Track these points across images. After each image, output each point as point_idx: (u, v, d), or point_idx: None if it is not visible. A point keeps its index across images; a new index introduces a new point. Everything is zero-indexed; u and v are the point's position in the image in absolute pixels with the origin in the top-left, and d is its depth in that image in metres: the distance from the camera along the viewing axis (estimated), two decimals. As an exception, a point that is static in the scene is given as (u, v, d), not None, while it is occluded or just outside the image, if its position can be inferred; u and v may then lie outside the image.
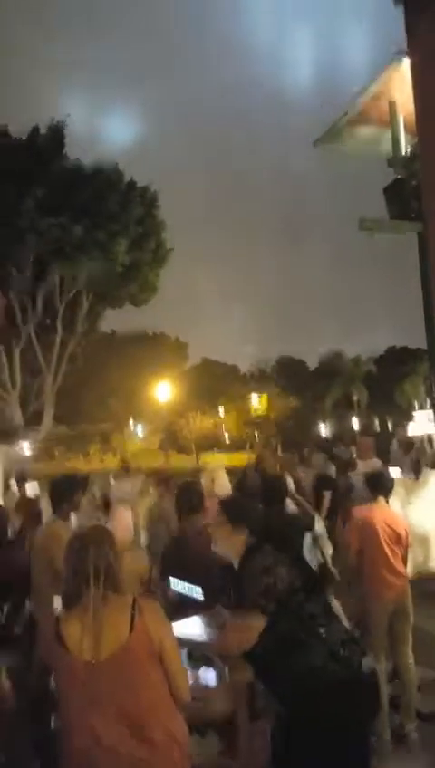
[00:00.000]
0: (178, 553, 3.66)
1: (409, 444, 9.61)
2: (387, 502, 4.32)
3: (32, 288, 21.05)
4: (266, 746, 2.68)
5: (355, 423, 46.56)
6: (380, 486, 4.16)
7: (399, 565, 3.99)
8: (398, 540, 4.01)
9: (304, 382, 55.87)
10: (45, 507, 8.48)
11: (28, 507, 6.54)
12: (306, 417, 49.89)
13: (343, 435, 36.63)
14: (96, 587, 2.02)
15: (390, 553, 3.94)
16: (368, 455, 7.80)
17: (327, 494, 6.81)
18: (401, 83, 4.73)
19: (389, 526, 4.00)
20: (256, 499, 4.19)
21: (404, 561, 4.09)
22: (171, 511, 4.19)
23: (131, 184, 22.15)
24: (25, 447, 18.98)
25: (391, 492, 4.21)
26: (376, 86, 4.87)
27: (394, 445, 11.29)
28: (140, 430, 42.71)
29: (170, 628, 2.15)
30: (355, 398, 50.49)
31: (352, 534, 4.06)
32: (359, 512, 4.15)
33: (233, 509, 2.71)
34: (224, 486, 5.30)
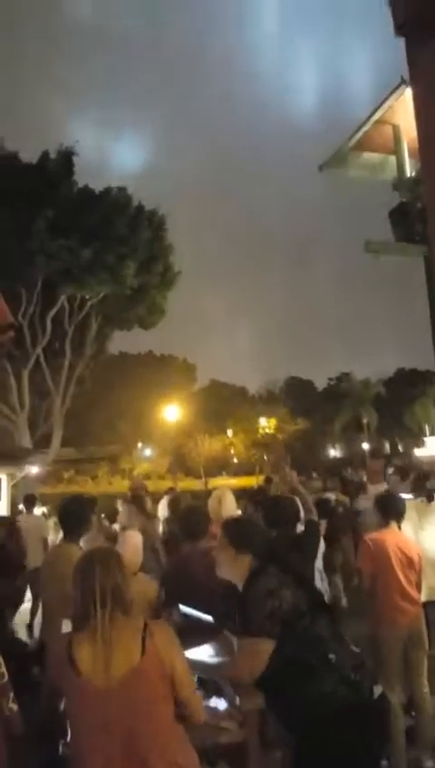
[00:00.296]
0: (181, 577, 3.63)
1: (404, 469, 9.45)
2: (399, 526, 4.26)
3: (41, 310, 21.25)
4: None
5: (365, 446, 46.22)
6: (391, 510, 4.11)
7: (412, 591, 3.91)
8: (411, 565, 3.94)
9: (312, 404, 55.74)
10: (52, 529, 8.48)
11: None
12: (315, 440, 49.66)
13: (352, 458, 36.41)
14: (103, 608, 2.00)
15: (403, 579, 3.87)
16: (378, 478, 7.76)
17: (323, 522, 6.68)
18: (404, 110, 4.82)
19: (401, 551, 3.93)
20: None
21: (418, 587, 4.02)
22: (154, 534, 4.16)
23: (140, 207, 22.49)
24: (34, 470, 18.97)
25: (403, 515, 4.15)
26: (380, 112, 4.96)
27: (389, 470, 11.12)
28: (148, 453, 42.59)
29: (181, 651, 2.12)
30: (365, 420, 50.18)
31: (365, 559, 4.00)
32: (371, 536, 4.10)
33: (235, 532, 2.68)
34: (231, 509, 5.25)
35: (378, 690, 2.30)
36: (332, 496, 7.65)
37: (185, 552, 3.93)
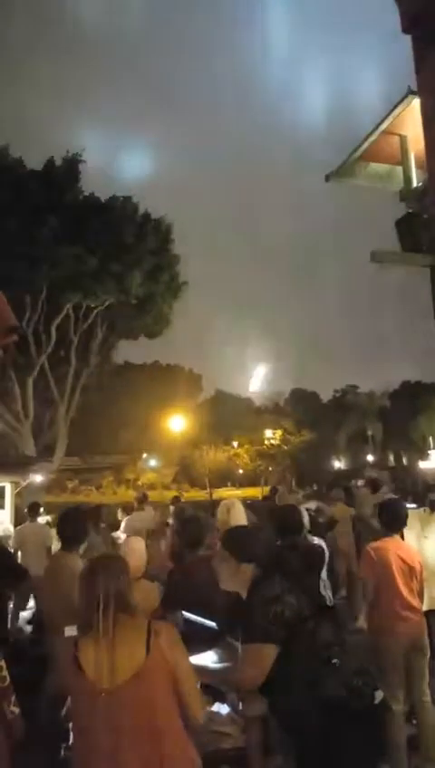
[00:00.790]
0: (182, 586, 3.63)
1: (375, 482, 9.39)
2: (402, 534, 4.25)
3: (45, 318, 21.32)
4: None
5: (370, 458, 46.07)
6: (393, 518, 4.11)
7: (414, 600, 3.90)
8: (412, 573, 3.93)
9: (317, 416, 55.66)
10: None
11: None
12: (320, 451, 49.53)
13: (357, 469, 36.30)
14: (106, 612, 2.03)
15: (404, 588, 3.86)
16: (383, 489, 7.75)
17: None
18: (411, 120, 4.86)
19: (403, 560, 3.93)
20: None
21: (420, 596, 4.01)
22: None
23: (146, 216, 22.60)
24: (38, 479, 18.96)
25: (405, 523, 4.14)
26: (387, 122, 5.00)
27: (357, 483, 11.00)
28: (153, 463, 42.55)
29: (185, 651, 2.14)
30: (370, 432, 50.08)
31: (367, 569, 3.99)
32: (373, 546, 4.09)
33: (235, 543, 2.68)
34: (240, 519, 5.24)
35: (379, 696, 2.29)
36: (311, 506, 7.59)
37: (188, 561, 3.95)
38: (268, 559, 2.57)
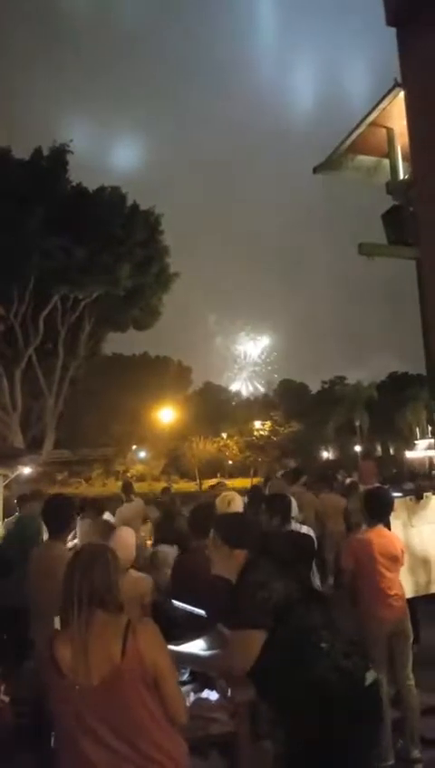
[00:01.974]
0: (186, 573, 3.68)
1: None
2: (388, 523, 4.33)
3: (33, 310, 21.16)
4: (270, 767, 2.66)
5: (357, 448, 46.39)
6: (377, 507, 4.18)
7: (397, 588, 3.99)
8: (395, 562, 4.01)
9: (306, 407, 55.85)
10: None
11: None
12: (309, 442, 49.73)
13: (344, 460, 36.53)
14: (80, 609, 1.99)
15: (387, 575, 3.94)
16: (370, 479, 7.81)
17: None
18: (398, 112, 4.87)
19: (386, 549, 4.00)
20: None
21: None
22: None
23: (135, 207, 22.45)
24: (26, 471, 18.88)
25: (390, 512, 4.21)
26: (374, 115, 5.01)
27: (341, 475, 11.04)
28: (142, 455, 42.47)
29: (165, 651, 2.10)
30: (357, 423, 50.35)
31: (348, 558, 4.07)
32: (356, 537, 4.16)
33: (228, 529, 2.70)
34: (239, 510, 5.30)
35: (371, 677, 2.33)
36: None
37: (191, 548, 4.01)
38: (257, 546, 2.59)
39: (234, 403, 53.04)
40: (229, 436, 44.50)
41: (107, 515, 8.19)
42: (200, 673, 2.92)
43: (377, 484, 7.53)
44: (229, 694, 2.72)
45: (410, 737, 3.85)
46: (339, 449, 51.83)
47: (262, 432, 44.60)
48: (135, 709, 1.97)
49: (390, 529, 4.60)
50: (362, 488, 8.06)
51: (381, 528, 4.14)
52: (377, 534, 4.06)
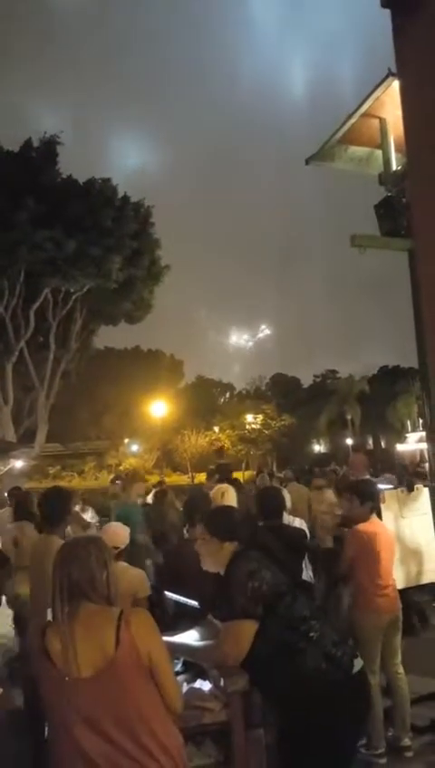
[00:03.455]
0: (178, 562, 3.70)
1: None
2: (380, 513, 4.35)
3: (24, 303, 21.05)
4: (263, 755, 2.67)
5: (349, 441, 46.58)
6: (367, 495, 4.21)
7: (389, 578, 4.02)
8: (390, 553, 4.04)
9: (298, 400, 56.01)
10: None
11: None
12: (301, 435, 49.89)
13: (335, 453, 36.69)
14: (62, 600, 1.99)
15: (384, 567, 3.97)
16: (361, 472, 7.83)
17: None
18: (391, 103, 4.86)
19: (384, 541, 4.03)
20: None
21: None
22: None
23: (125, 199, 22.32)
24: (18, 465, 18.84)
25: (378, 500, 4.25)
26: (367, 105, 4.99)
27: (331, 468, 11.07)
28: (135, 448, 42.47)
29: (160, 640, 2.09)
30: (349, 416, 50.52)
31: (350, 547, 4.09)
32: (360, 527, 4.17)
33: (217, 523, 2.72)
34: (233, 503, 5.32)
35: (358, 664, 2.36)
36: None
37: (185, 538, 4.04)
38: (247, 538, 2.60)
39: (226, 396, 53.05)
40: (221, 430, 44.58)
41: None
42: (193, 663, 2.92)
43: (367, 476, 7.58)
44: (222, 683, 2.73)
45: (400, 725, 3.90)
46: (331, 442, 51.99)
47: (254, 425, 44.70)
48: (132, 699, 1.96)
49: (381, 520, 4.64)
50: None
51: (376, 518, 4.17)
52: (375, 524, 4.09)
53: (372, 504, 4.15)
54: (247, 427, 44.73)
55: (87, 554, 2.08)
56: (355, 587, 4.04)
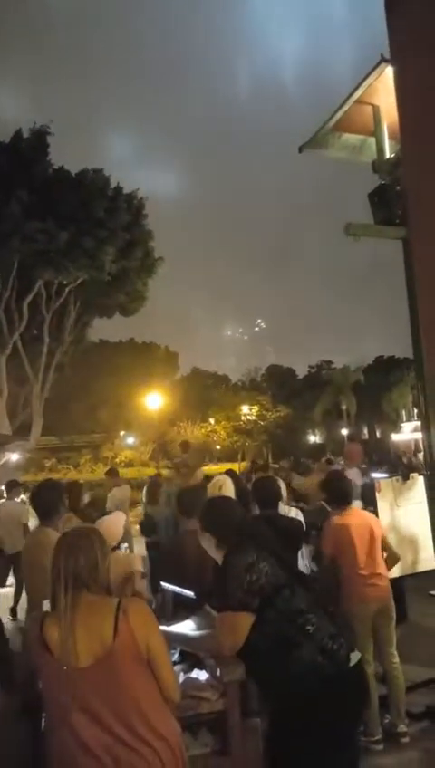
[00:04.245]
0: (175, 554, 3.69)
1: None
2: (376, 505, 4.36)
3: (17, 295, 20.93)
4: (259, 744, 2.68)
5: (344, 432, 46.72)
6: (336, 494, 4.21)
7: (378, 566, 4.02)
8: (373, 541, 4.04)
9: (293, 391, 56.10)
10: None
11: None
12: (296, 426, 50.01)
13: (330, 443, 36.82)
14: (65, 590, 2.01)
15: (366, 556, 3.98)
16: (356, 461, 7.85)
17: None
18: (384, 89, 4.81)
19: (363, 530, 4.03)
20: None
21: (390, 561, 4.14)
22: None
23: (118, 190, 22.15)
24: (14, 458, 18.82)
25: (350, 496, 4.23)
26: (360, 92, 4.94)
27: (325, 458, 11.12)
28: (130, 440, 42.48)
29: (157, 630, 2.10)
30: (344, 407, 50.65)
31: (327, 542, 4.09)
32: (333, 520, 4.18)
33: (207, 517, 2.71)
34: (230, 494, 5.33)
35: (355, 658, 2.36)
36: None
37: (181, 530, 4.04)
38: (242, 530, 2.59)
39: (222, 388, 53.05)
40: (217, 422, 44.63)
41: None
42: (190, 653, 2.93)
43: (364, 466, 7.60)
44: (219, 673, 2.74)
45: (396, 712, 3.93)
46: (326, 433, 52.14)
47: (249, 417, 44.77)
48: (129, 688, 1.97)
49: (377, 510, 4.65)
50: (348, 471, 8.12)
51: (355, 509, 4.17)
52: (353, 516, 4.09)
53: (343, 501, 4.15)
54: (243, 418, 44.82)
55: (90, 544, 2.11)
56: (342, 577, 4.05)
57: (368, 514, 4.20)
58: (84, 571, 2.04)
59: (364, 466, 8.19)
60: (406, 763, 3.67)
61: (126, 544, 5.21)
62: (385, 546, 4.16)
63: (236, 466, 27.08)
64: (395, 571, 4.49)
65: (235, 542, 2.49)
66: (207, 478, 6.56)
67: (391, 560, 4.17)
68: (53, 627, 1.99)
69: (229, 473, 7.42)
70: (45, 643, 1.98)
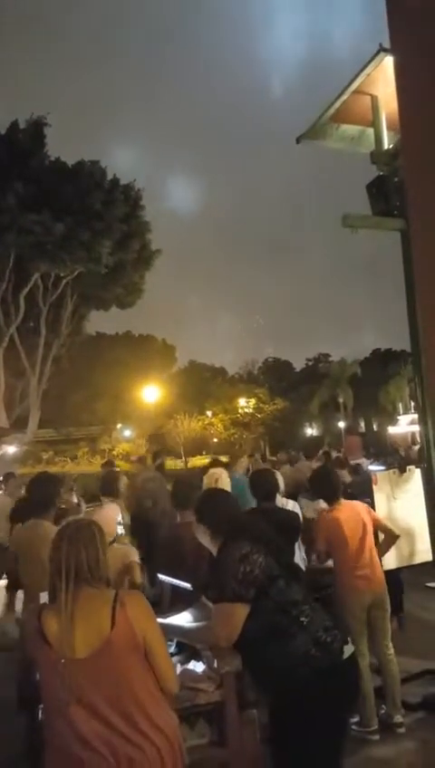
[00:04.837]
0: (172, 546, 3.70)
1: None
2: (373, 498, 4.37)
3: (13, 288, 20.86)
4: (256, 735, 2.70)
5: (341, 424, 46.85)
6: (327, 489, 4.21)
7: (371, 557, 4.03)
8: (365, 532, 4.04)
9: (290, 384, 56.19)
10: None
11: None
12: (293, 419, 50.10)
13: (326, 436, 36.92)
14: (67, 583, 2.01)
15: (358, 547, 3.98)
16: (356, 454, 7.86)
17: None
18: (383, 79, 4.76)
19: (354, 522, 4.03)
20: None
21: (386, 540, 4.16)
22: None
23: (115, 182, 22.05)
24: (11, 450, 18.82)
25: (338, 491, 4.22)
26: (358, 82, 4.88)
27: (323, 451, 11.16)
28: (127, 433, 42.52)
29: (155, 621, 2.11)
30: (341, 399, 50.76)
31: (320, 535, 4.10)
32: (324, 513, 4.19)
33: (201, 510, 2.71)
34: (227, 488, 5.33)
35: (349, 650, 2.37)
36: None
37: (176, 522, 4.04)
38: (237, 522, 2.59)
39: (219, 380, 53.07)
40: (214, 414, 44.68)
41: None
42: (187, 645, 2.93)
43: (364, 459, 7.62)
44: (215, 664, 2.74)
45: (391, 703, 3.95)
46: (323, 425, 52.24)
47: (247, 409, 44.84)
48: (127, 679, 1.98)
49: (374, 503, 4.65)
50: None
51: (345, 503, 4.17)
52: (344, 510, 4.09)
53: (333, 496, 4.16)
54: (240, 411, 44.89)
55: (92, 536, 2.11)
56: (335, 571, 4.06)
57: (359, 505, 4.19)
58: (86, 564, 2.04)
59: (371, 460, 8.17)
60: (402, 754, 3.69)
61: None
62: (381, 527, 4.17)
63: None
64: (392, 563, 4.50)
65: (229, 534, 2.49)
66: (203, 470, 6.61)
67: (389, 538, 4.19)
68: (52, 619, 1.99)
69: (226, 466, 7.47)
70: (44, 635, 1.98)
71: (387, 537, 4.19)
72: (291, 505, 4.74)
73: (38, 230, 18.89)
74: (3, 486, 8.45)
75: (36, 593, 3.13)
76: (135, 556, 3.79)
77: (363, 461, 7.54)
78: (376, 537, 4.17)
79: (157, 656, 2.05)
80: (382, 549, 4.18)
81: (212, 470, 5.84)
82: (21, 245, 19.24)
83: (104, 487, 4.94)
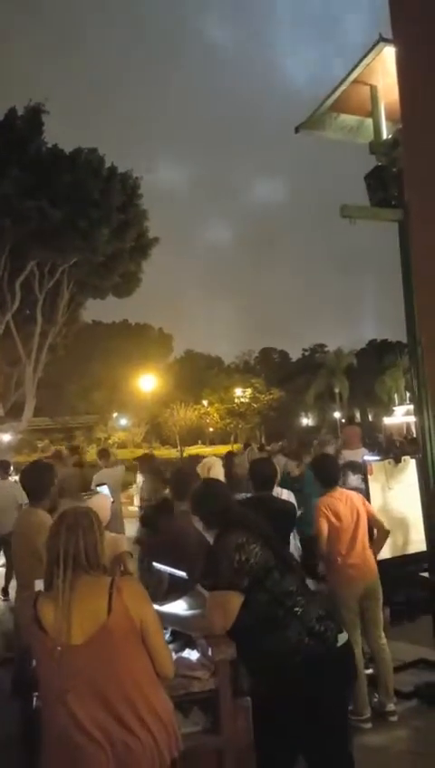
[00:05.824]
0: (174, 535, 3.72)
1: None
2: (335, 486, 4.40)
3: (9, 275, 20.72)
4: (250, 723, 2.72)
5: (337, 415, 46.94)
6: (326, 474, 4.23)
7: (364, 547, 4.05)
8: (359, 521, 4.06)
9: (286, 374, 56.24)
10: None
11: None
12: (289, 409, 50.19)
13: (322, 426, 37.00)
14: (65, 570, 2.01)
15: (352, 537, 4.00)
16: (355, 444, 7.88)
17: None
18: (382, 69, 4.73)
19: (349, 510, 4.05)
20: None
21: (379, 541, 4.17)
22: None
23: (112, 169, 21.87)
24: (6, 438, 18.81)
25: (338, 478, 4.25)
26: (357, 72, 4.85)
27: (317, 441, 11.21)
28: (123, 422, 42.54)
29: (151, 607, 2.12)
30: (337, 390, 50.82)
31: (320, 523, 4.12)
32: (322, 500, 4.20)
33: (195, 502, 2.72)
34: (219, 477, 5.35)
35: (343, 639, 2.39)
36: None
37: (176, 512, 4.03)
38: (229, 513, 2.60)
39: (215, 370, 53.06)
40: (210, 404, 44.72)
41: None
42: (181, 633, 2.95)
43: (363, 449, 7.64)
44: (210, 652, 2.76)
45: (384, 692, 3.99)
46: (319, 416, 52.34)
47: (243, 399, 44.88)
48: (123, 665, 1.99)
49: (368, 492, 4.67)
50: (347, 453, 8.16)
51: (341, 491, 4.18)
52: (339, 498, 4.11)
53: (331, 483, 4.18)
54: (236, 400, 44.94)
55: (90, 524, 2.11)
56: (328, 559, 4.08)
57: (354, 495, 4.21)
58: (84, 552, 2.05)
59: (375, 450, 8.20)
60: (395, 741, 3.74)
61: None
62: (374, 522, 4.20)
63: (228, 449, 27.20)
64: (386, 553, 4.53)
65: (224, 524, 2.51)
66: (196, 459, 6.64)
67: (382, 534, 4.21)
68: (48, 606, 2.00)
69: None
70: (40, 622, 1.99)
71: (380, 533, 4.20)
72: (286, 495, 4.76)
73: (35, 217, 18.73)
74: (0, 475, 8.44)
75: (30, 581, 3.14)
76: (126, 546, 3.81)
77: (362, 451, 7.56)
78: (371, 532, 4.19)
79: (153, 640, 2.06)
80: (376, 546, 4.18)
81: (205, 459, 5.86)
82: (17, 233, 19.08)
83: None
